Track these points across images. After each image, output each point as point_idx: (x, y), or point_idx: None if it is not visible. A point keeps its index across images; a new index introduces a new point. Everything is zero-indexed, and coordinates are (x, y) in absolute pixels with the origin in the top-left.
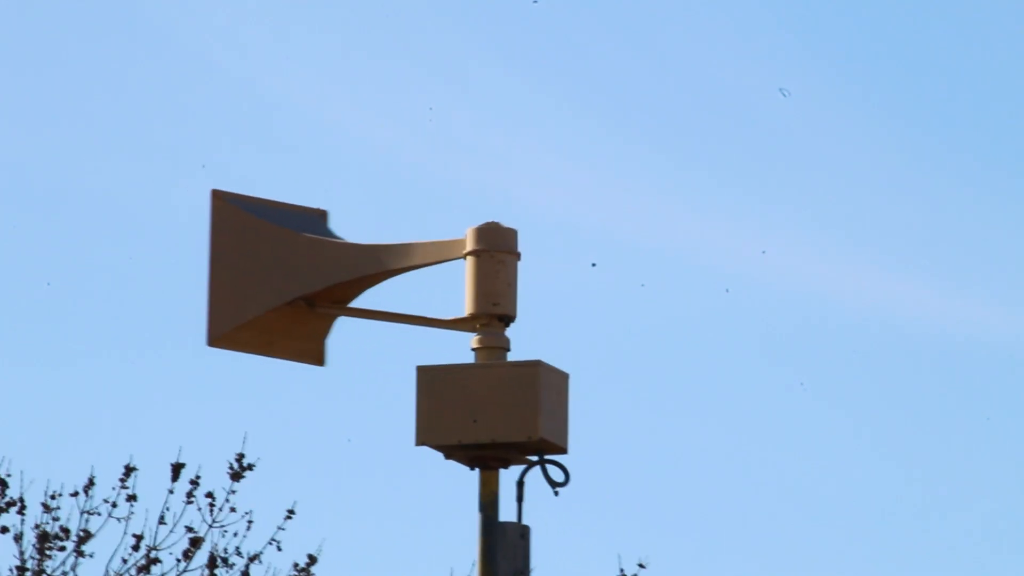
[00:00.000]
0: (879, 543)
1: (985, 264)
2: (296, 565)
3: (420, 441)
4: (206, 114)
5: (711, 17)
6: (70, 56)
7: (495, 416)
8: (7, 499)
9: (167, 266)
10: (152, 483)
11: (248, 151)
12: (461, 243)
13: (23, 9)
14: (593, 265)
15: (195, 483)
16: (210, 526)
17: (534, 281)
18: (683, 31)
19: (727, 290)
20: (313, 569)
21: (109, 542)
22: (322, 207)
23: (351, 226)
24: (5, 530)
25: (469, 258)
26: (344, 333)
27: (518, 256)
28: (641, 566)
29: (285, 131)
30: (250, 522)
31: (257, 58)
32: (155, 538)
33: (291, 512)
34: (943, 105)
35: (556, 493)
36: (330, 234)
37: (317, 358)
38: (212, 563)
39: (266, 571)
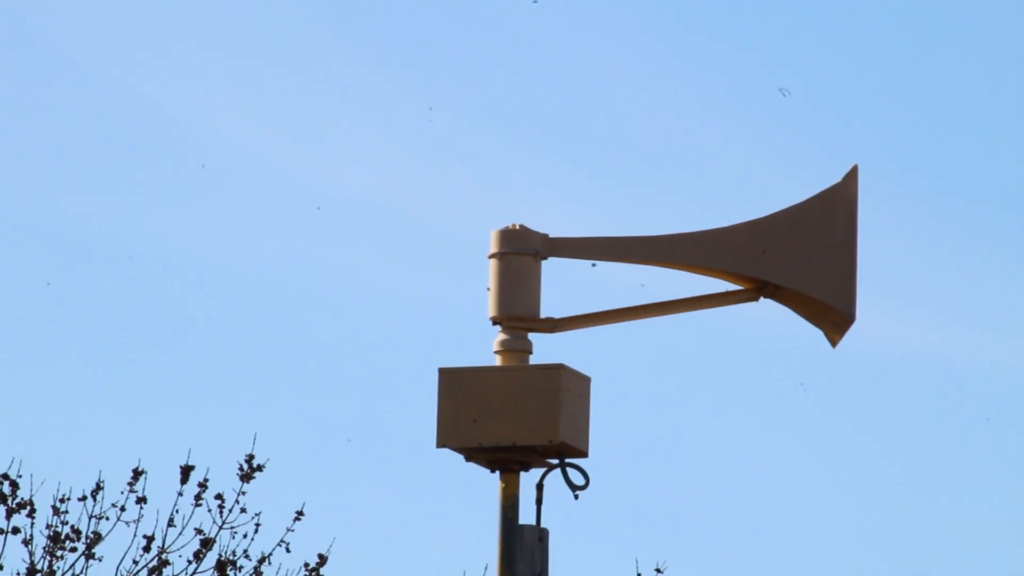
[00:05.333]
0: (894, 549)
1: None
2: (307, 565)
3: (441, 443)
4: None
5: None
6: None
7: (516, 419)
8: (18, 500)
9: (168, 268)
10: (162, 486)
11: (138, 162)
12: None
13: None
14: (593, 265)
15: (203, 486)
16: (220, 527)
17: (556, 284)
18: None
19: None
20: (324, 570)
21: (118, 545)
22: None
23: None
24: (17, 531)
25: (492, 260)
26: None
27: (543, 258)
28: (658, 571)
29: (176, 146)
30: (258, 525)
31: (153, 75)
32: (165, 540)
33: (300, 513)
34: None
35: (576, 496)
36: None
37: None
38: (221, 568)
39: (276, 572)
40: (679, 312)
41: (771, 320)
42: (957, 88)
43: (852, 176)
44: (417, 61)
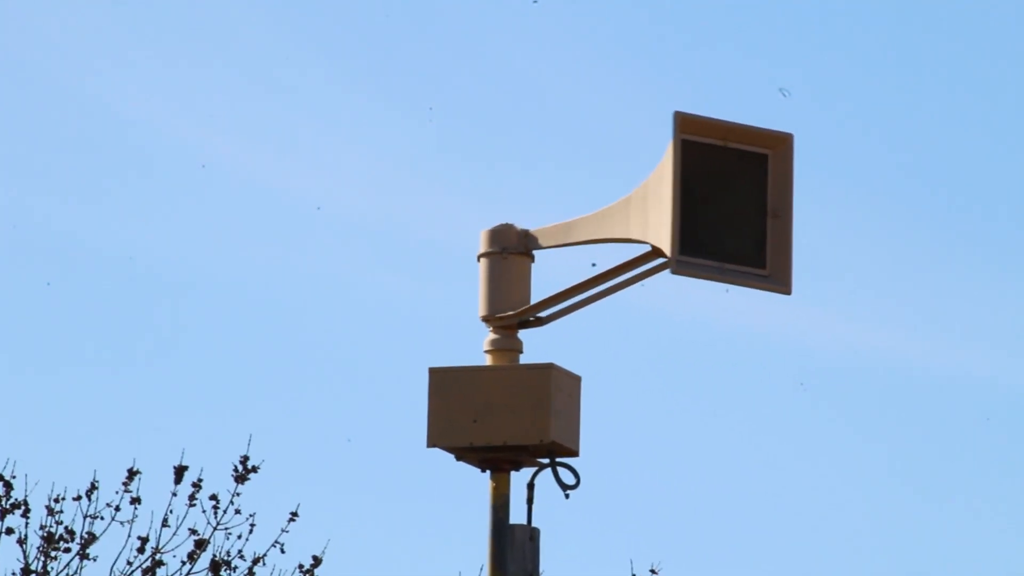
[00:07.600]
0: (894, 549)
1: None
2: (301, 566)
3: (431, 443)
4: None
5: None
6: None
7: (507, 419)
8: (12, 500)
9: (162, 270)
10: (156, 486)
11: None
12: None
13: None
14: (593, 265)
15: (197, 486)
16: (214, 528)
17: (549, 283)
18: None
19: (727, 290)
20: (318, 571)
21: (113, 545)
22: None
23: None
24: (11, 531)
25: (482, 260)
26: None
27: (532, 258)
28: (653, 572)
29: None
30: (252, 526)
31: (113, 82)
32: (159, 540)
33: (294, 514)
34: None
35: (567, 496)
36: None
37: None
38: (215, 569)
39: (271, 573)
40: (654, 273)
41: (769, 320)
42: (926, 88)
43: (674, 125)
44: (403, 70)
